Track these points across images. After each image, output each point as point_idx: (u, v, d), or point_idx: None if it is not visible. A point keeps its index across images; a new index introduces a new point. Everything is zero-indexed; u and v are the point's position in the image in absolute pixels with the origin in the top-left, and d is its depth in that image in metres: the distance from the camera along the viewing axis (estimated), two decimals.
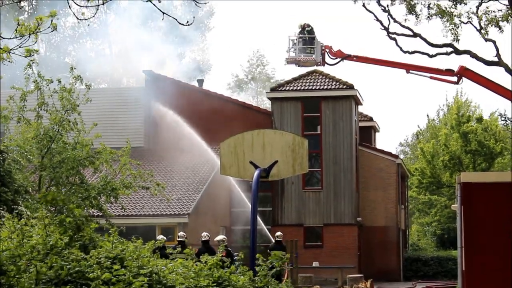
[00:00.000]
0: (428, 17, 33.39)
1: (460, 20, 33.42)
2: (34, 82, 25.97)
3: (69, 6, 9.41)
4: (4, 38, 9.52)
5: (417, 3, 33.53)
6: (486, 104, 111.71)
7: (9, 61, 10.05)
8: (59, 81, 26.15)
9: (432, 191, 57.85)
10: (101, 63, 70.70)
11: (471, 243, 17.43)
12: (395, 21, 33.82)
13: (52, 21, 9.45)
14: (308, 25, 36.53)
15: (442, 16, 32.86)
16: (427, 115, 76.60)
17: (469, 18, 32.99)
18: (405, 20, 33.51)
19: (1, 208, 18.09)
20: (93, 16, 9.73)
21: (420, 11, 33.46)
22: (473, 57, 33.09)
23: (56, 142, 25.52)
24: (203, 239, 25.05)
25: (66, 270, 10.52)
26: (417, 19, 33.49)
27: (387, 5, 33.67)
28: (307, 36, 35.83)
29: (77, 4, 9.36)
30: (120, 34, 72.73)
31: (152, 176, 28.06)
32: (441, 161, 53.08)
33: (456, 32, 33.11)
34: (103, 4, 9.36)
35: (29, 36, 9.51)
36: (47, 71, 27.45)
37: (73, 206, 11.60)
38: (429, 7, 33.21)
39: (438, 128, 66.51)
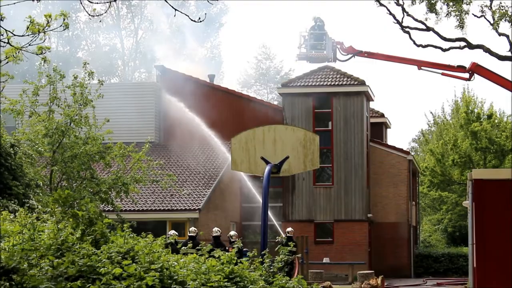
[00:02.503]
0: (448, 14, 33.13)
1: (473, 14, 33.24)
2: (48, 76, 26.02)
3: (81, 2, 9.44)
4: (16, 35, 9.55)
5: (437, 0, 33.20)
6: (491, 97, 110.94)
7: (20, 60, 10.09)
8: (75, 77, 26.18)
9: (443, 188, 57.58)
10: (114, 58, 70.84)
11: (482, 240, 17.39)
12: (408, 14, 33.65)
13: (64, 19, 9.48)
14: (320, 20, 36.46)
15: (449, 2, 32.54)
16: (431, 112, 76.03)
17: (482, 12, 32.75)
18: (426, 19, 33.30)
19: (12, 202, 18.16)
20: (105, 12, 9.78)
21: (440, 9, 33.22)
22: (486, 52, 32.88)
23: (67, 137, 25.58)
24: (214, 235, 25.08)
25: (77, 266, 10.53)
26: (437, 17, 33.27)
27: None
28: (318, 32, 35.77)
29: (89, 1, 9.39)
30: (132, 28, 72.82)
31: (161, 166, 28.09)
32: (451, 160, 52.82)
33: (462, 19, 32.83)
34: (114, 0, 9.39)
35: (38, 34, 9.54)
36: (59, 66, 27.56)
37: (87, 200, 11.63)
38: (447, 4, 32.91)
39: (445, 124, 66.10)
